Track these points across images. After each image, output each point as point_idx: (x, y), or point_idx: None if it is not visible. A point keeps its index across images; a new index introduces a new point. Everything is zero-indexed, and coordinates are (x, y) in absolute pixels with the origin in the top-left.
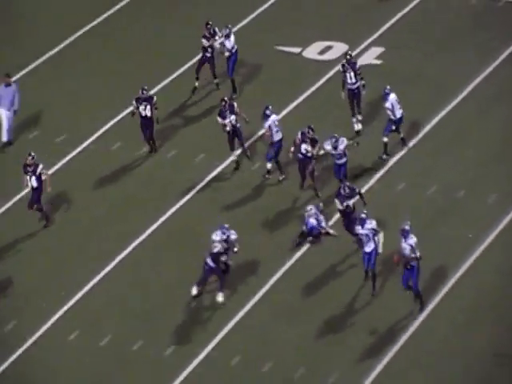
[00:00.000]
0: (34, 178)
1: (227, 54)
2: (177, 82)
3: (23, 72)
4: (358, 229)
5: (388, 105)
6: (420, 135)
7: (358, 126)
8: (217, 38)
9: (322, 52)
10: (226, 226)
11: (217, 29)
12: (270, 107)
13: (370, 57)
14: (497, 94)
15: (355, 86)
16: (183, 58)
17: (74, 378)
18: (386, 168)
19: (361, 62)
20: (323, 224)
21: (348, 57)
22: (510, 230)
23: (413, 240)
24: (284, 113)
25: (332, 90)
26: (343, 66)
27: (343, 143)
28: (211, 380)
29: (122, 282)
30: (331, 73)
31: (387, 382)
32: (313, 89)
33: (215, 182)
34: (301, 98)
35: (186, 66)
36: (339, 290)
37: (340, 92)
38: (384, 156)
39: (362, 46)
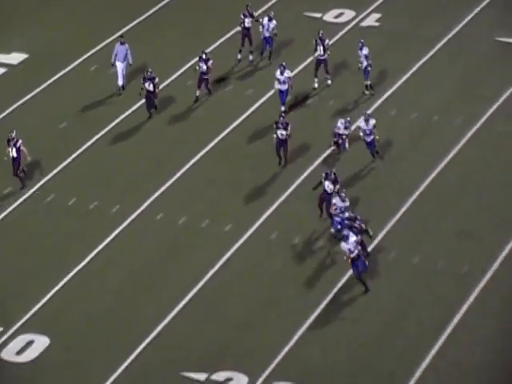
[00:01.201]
0: (14, 149)
1: (268, 34)
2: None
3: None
4: (343, 245)
5: (364, 53)
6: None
7: (315, 85)
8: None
9: (336, 17)
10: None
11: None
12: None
13: (371, 20)
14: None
15: (322, 57)
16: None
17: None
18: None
19: (365, 23)
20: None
21: (320, 34)
22: None
23: (353, 239)
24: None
25: (343, 47)
26: (316, 40)
27: (373, 121)
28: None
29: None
30: (342, 33)
31: None
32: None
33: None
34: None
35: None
36: None
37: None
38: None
39: (365, 13)
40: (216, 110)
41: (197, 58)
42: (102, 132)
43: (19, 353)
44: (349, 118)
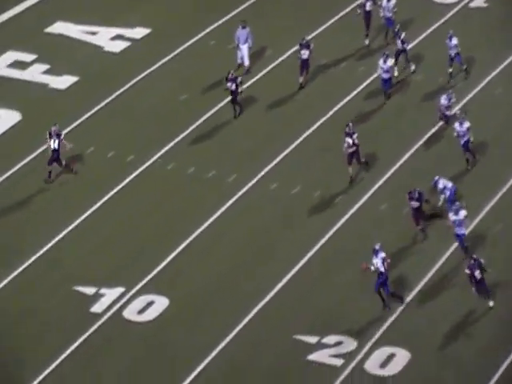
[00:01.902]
0: (56, 141)
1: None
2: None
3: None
4: (373, 258)
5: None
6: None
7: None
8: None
9: None
10: None
11: None
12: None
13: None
14: None
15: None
16: None
17: None
18: None
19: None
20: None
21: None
22: None
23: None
24: None
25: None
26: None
27: (390, 61)
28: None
29: None
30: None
31: None
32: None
33: None
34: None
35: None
36: None
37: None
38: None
39: None
40: (333, 85)
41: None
42: (221, 104)
43: (140, 312)
44: (451, 91)
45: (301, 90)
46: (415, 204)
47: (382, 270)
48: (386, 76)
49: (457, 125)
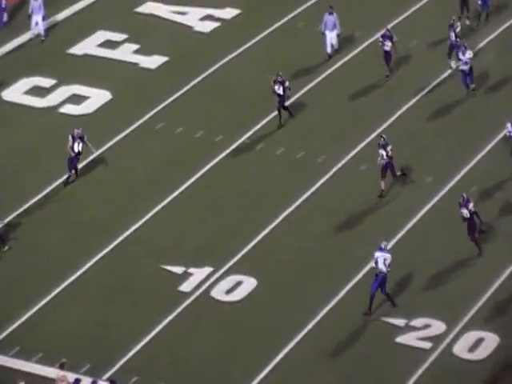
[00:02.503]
0: (81, 144)
1: None
2: None
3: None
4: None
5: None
6: None
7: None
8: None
9: None
10: None
11: None
12: None
13: None
14: None
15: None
16: None
17: None
18: None
19: None
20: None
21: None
22: None
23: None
24: None
25: None
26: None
27: (469, 54)
28: None
29: None
30: None
31: None
32: None
33: None
34: None
35: None
36: None
37: None
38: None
39: None
40: (419, 71)
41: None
42: (311, 84)
43: (228, 292)
44: None
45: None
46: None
47: (384, 269)
48: (465, 68)
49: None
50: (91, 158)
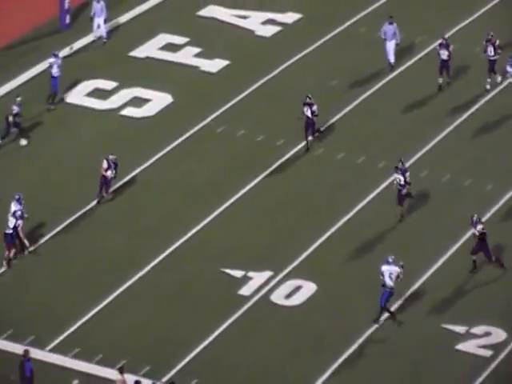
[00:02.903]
0: (114, 171)
1: None
2: None
3: None
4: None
5: None
6: None
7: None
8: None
9: None
10: None
11: None
12: None
13: None
14: None
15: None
16: None
17: None
18: None
19: None
20: None
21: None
22: None
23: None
24: None
25: None
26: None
27: None
28: None
29: None
30: None
31: None
32: None
33: None
34: None
35: None
36: None
37: None
38: None
39: None
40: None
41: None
42: (372, 90)
43: (288, 297)
44: None
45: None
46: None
47: (391, 284)
48: None
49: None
50: (151, 161)
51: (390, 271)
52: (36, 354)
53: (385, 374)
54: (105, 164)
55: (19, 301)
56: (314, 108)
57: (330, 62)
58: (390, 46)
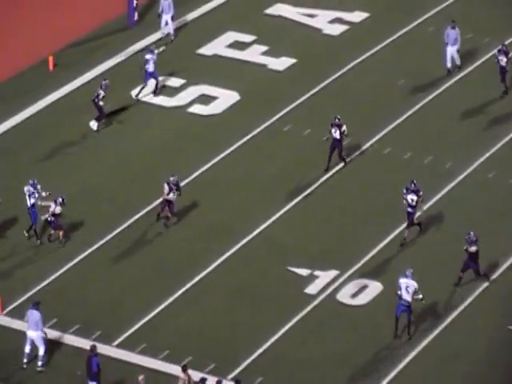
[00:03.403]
0: (177, 193)
1: None
2: None
3: None
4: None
5: None
6: None
7: None
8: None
9: None
10: None
11: None
12: None
13: None
14: None
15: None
16: None
17: None
18: None
19: None
20: None
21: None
22: None
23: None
24: None
25: None
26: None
27: None
28: None
29: None
30: None
31: None
32: None
33: None
34: None
35: None
36: None
37: None
38: None
39: None
40: None
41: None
42: (437, 91)
43: (354, 296)
44: None
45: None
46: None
47: (408, 298)
48: None
49: None
50: (217, 159)
51: (407, 284)
52: (103, 349)
53: (453, 374)
54: (166, 189)
55: (86, 296)
56: (344, 128)
57: (397, 62)
58: (451, 50)
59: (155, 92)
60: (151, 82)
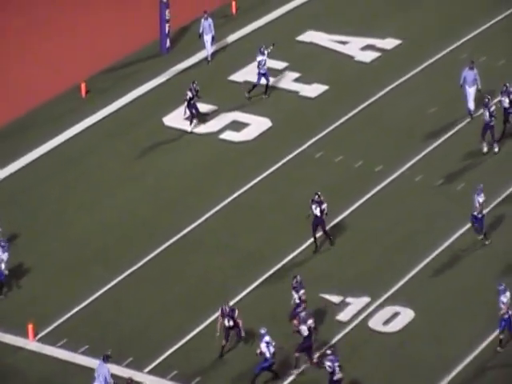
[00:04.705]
0: (231, 321)
1: None
2: None
3: None
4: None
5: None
6: None
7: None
8: None
9: None
10: None
11: None
12: None
13: None
14: None
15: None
16: None
17: None
18: None
19: None
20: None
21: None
22: None
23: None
24: None
25: None
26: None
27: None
28: None
29: None
30: None
31: None
32: None
33: None
34: None
35: None
36: None
37: None
38: None
39: None
40: None
41: None
42: (467, 119)
43: (386, 323)
44: None
45: None
46: None
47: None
48: None
49: None
50: (249, 185)
51: (267, 342)
52: (134, 375)
53: None
54: (220, 318)
55: (117, 322)
56: (324, 206)
57: (429, 89)
58: (471, 92)
59: (266, 92)
60: (261, 82)
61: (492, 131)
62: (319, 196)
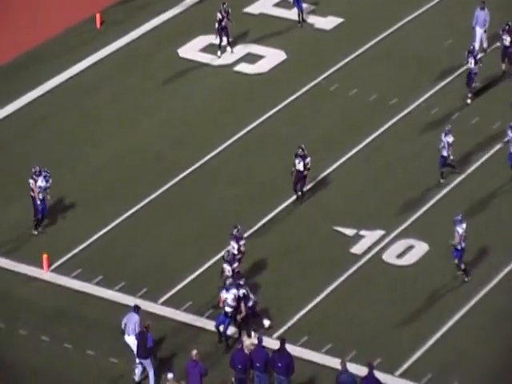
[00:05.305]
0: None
1: None
2: None
3: None
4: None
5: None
6: None
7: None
8: None
9: None
10: None
11: None
12: None
13: None
14: None
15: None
16: None
17: None
18: None
19: None
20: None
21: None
22: None
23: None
24: None
25: None
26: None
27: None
28: None
29: None
30: None
31: None
32: None
33: None
34: None
35: None
36: None
37: None
38: None
39: None
40: None
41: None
42: (481, 55)
43: (400, 256)
44: None
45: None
46: None
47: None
48: None
49: None
50: (264, 117)
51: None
52: (148, 306)
53: (498, 336)
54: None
55: (132, 255)
56: (307, 161)
57: (444, 22)
58: (481, 32)
59: (299, 22)
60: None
61: (505, 56)
62: (303, 150)
